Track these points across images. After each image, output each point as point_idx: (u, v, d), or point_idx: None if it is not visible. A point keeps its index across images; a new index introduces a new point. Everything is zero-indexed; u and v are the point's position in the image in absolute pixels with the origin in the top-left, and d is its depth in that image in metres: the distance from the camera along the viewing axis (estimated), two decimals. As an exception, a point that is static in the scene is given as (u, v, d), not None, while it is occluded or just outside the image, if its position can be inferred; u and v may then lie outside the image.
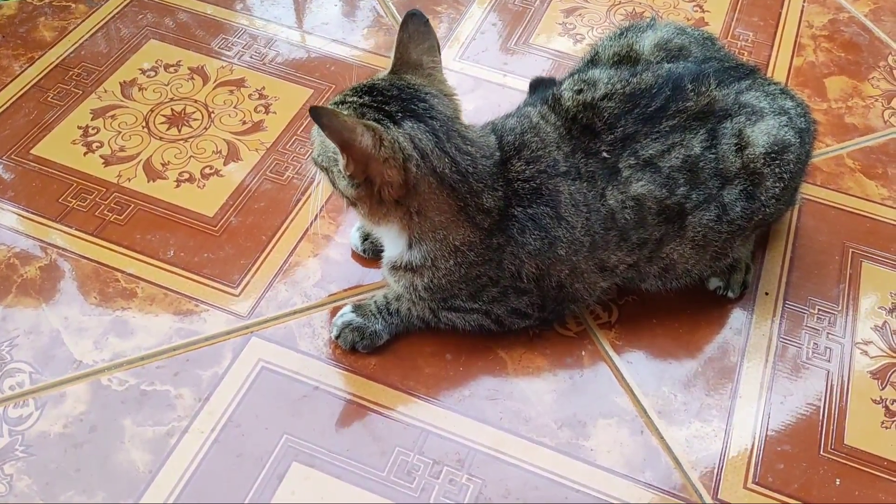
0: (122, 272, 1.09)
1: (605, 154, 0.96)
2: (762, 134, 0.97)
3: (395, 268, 0.98)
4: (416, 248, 0.94)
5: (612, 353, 1.04)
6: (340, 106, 0.90)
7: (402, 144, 0.86)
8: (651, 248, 0.99)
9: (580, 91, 1.00)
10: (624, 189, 0.96)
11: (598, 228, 0.96)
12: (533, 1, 1.54)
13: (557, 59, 1.43)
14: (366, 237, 1.11)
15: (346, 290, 1.09)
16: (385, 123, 0.87)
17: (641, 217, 0.97)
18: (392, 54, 0.94)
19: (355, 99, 0.90)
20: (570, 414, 0.98)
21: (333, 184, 0.94)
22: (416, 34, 0.93)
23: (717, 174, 0.97)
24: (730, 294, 1.08)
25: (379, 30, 1.47)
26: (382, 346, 1.02)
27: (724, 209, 0.97)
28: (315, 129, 0.93)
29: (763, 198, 0.99)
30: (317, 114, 0.81)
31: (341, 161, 0.86)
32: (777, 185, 0.98)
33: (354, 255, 1.13)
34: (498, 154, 0.94)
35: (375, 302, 1.03)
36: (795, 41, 1.50)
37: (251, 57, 1.40)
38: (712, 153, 0.97)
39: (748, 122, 0.98)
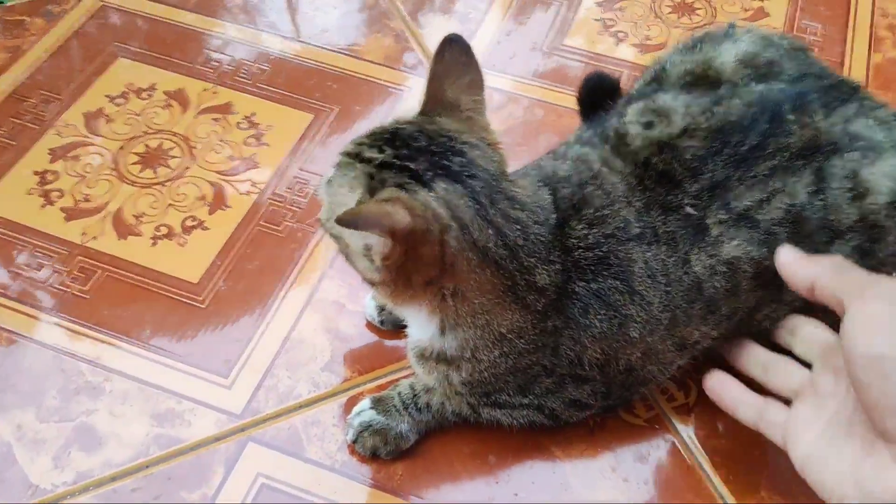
0: (87, 362, 0.89)
1: (688, 209, 0.75)
2: (884, 177, 0.76)
3: (423, 357, 0.78)
4: (450, 334, 0.74)
5: (693, 444, 0.84)
6: (355, 161, 0.70)
7: (437, 212, 0.66)
8: (742, 317, 0.79)
9: (650, 125, 0.78)
10: (713, 252, 0.75)
11: (679, 302, 0.75)
12: (564, -6, 1.32)
13: (599, 64, 1.21)
14: (382, 307, 0.91)
15: (362, 374, 0.89)
16: (411, 187, 0.66)
17: (734, 284, 0.76)
18: (425, 88, 0.73)
19: (374, 155, 0.69)
20: (649, 535, 0.78)
21: (348, 258, 0.74)
22: (454, 66, 0.72)
23: (824, 226, 0.76)
24: None
25: (386, 35, 1.25)
26: (411, 447, 0.83)
27: None
28: (323, 185, 0.73)
29: (881, 255, 0.78)
30: (347, 223, 0.62)
31: (379, 246, 0.65)
32: None
33: (370, 325, 0.92)
34: (554, 216, 0.73)
35: (400, 394, 0.83)
36: (871, 33, 1.28)
37: (240, 76, 1.18)
38: (820, 200, 0.75)
39: (864, 160, 0.76)
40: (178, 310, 0.93)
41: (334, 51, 1.22)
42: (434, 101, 0.73)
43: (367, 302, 0.92)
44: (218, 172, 1.07)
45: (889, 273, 0.79)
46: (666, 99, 0.81)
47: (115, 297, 0.94)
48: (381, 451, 0.82)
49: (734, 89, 0.81)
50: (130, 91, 1.16)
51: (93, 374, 0.88)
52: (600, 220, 0.74)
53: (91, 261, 0.97)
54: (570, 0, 1.31)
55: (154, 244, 0.99)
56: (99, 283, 0.95)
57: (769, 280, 0.75)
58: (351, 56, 1.22)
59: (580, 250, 0.73)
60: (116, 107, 1.14)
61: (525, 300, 0.72)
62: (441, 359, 0.76)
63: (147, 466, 0.82)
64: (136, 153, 1.09)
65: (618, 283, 0.74)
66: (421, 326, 0.76)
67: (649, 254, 0.74)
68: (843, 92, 0.82)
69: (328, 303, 0.94)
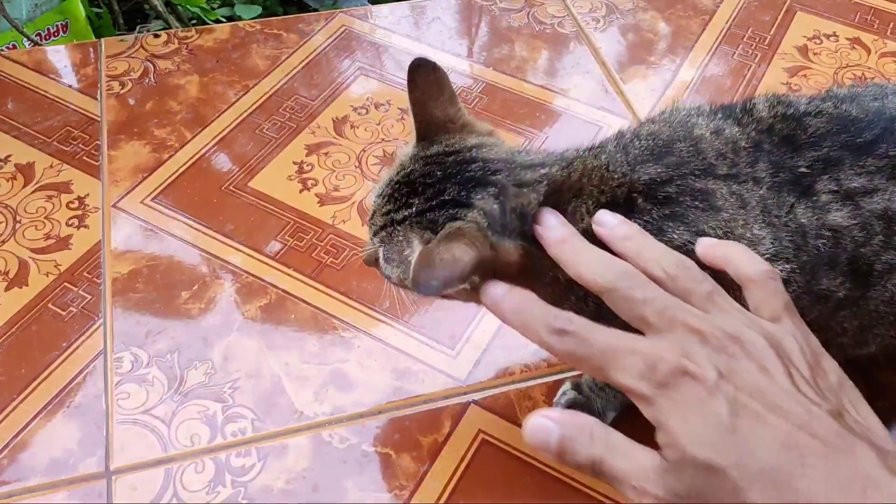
0: (340, 320, 1.07)
1: (803, 169, 0.76)
2: None
3: None
4: None
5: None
6: (394, 227, 0.74)
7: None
8: (827, 312, 0.79)
9: (776, 105, 0.82)
10: (820, 215, 0.75)
11: (787, 244, 0.74)
12: (751, 56, 1.46)
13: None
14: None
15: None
16: (459, 213, 0.69)
17: (835, 255, 0.76)
18: (411, 118, 0.79)
19: (404, 213, 0.73)
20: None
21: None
22: (429, 87, 0.77)
23: None
24: None
25: (587, 79, 1.42)
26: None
27: None
28: (384, 270, 0.79)
29: None
30: (431, 292, 0.65)
31: (467, 285, 0.67)
32: None
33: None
34: (609, 161, 0.74)
35: (587, 379, 0.98)
36: None
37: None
38: None
39: None
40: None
41: (543, 87, 1.40)
42: (426, 126, 0.77)
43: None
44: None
45: None
46: (790, 96, 0.85)
47: (360, 272, 1.12)
48: (584, 426, 0.96)
49: (855, 99, 0.84)
50: (370, 104, 1.36)
51: (345, 330, 1.06)
52: (679, 164, 0.72)
53: (341, 240, 1.16)
54: (756, 66, 1.45)
55: (392, 233, 1.17)
56: (347, 258, 1.14)
57: (859, 273, 0.77)
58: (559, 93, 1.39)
59: (652, 186, 0.72)
60: (359, 116, 1.34)
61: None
62: None
63: (389, 410, 0.98)
64: (375, 156, 1.28)
65: (697, 203, 0.71)
66: None
67: (741, 189, 0.73)
68: None
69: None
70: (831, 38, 1.49)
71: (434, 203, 0.70)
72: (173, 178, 1.24)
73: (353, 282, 1.11)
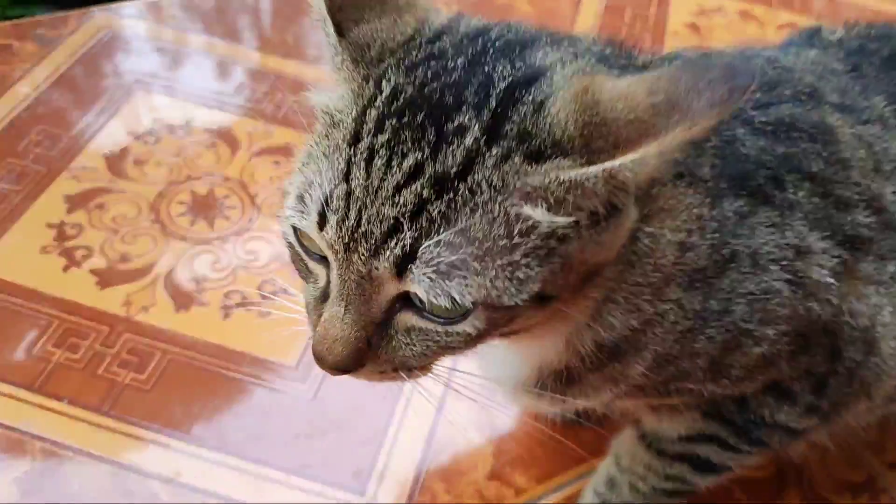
0: (164, 481, 0.63)
1: None
2: None
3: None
4: (610, 309, 0.49)
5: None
6: (443, 205, 0.40)
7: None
8: None
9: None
10: None
11: None
12: (641, 38, 1.19)
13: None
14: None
15: (541, 483, 0.67)
16: (546, 87, 0.43)
17: None
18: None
19: (457, 154, 0.41)
20: None
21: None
22: None
23: None
24: None
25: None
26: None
27: None
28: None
29: None
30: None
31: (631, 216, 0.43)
32: None
33: (540, 417, 0.71)
34: None
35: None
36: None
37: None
38: None
39: None
40: (275, 404, 0.69)
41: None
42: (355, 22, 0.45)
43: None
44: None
45: None
46: None
47: (185, 385, 0.69)
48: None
49: None
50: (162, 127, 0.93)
51: (173, 496, 0.62)
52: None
53: (144, 339, 0.72)
54: (653, 42, 1.19)
55: (226, 317, 0.75)
56: (160, 368, 0.70)
57: None
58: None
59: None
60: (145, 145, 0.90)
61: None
62: (610, 356, 0.51)
63: None
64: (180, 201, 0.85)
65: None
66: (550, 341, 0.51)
67: (866, 130, 0.57)
68: None
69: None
70: (719, 13, 1.26)
71: (494, 104, 0.41)
72: None
73: (177, 407, 0.67)
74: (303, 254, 0.45)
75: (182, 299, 0.76)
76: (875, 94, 0.60)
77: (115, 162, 0.89)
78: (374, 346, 0.44)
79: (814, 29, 0.66)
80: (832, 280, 0.51)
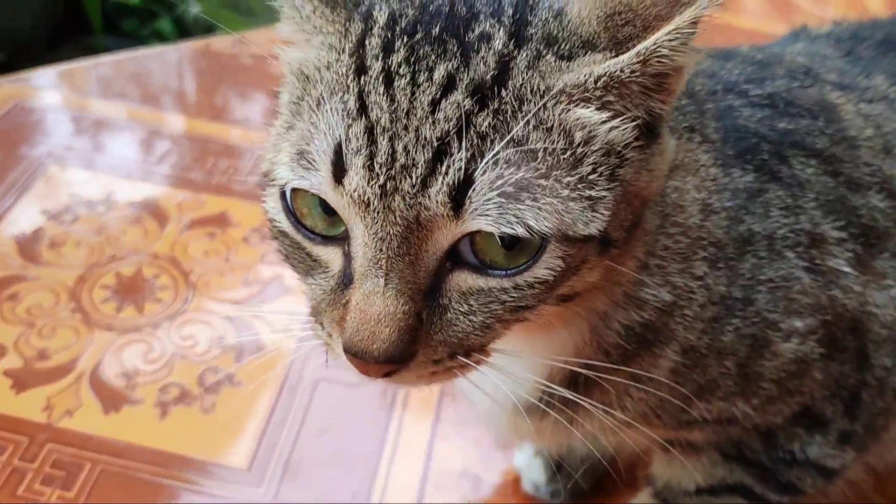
0: None
1: None
2: None
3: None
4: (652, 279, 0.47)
5: None
6: (502, 114, 0.37)
7: None
8: None
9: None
10: None
11: None
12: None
13: None
14: (557, 468, 0.63)
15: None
16: None
17: None
18: None
19: (497, 60, 0.38)
20: None
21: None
22: None
23: None
24: None
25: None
26: None
27: None
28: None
29: None
30: None
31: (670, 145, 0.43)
32: None
33: (529, 498, 0.65)
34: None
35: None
36: None
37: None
38: None
39: None
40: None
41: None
42: None
43: (523, 465, 0.65)
44: (235, 305, 0.77)
45: None
46: None
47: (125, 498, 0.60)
48: None
49: None
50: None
51: None
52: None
53: (76, 451, 0.63)
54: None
55: (163, 416, 0.67)
56: (91, 480, 0.61)
57: None
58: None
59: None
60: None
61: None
62: (638, 344, 0.47)
63: None
64: (104, 284, 0.76)
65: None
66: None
67: (868, 108, 0.56)
68: None
69: (452, 476, 0.66)
70: None
71: (511, 11, 0.38)
72: None
73: (112, 527, 0.59)
74: (303, 240, 0.39)
75: (111, 399, 0.67)
76: (877, 73, 0.58)
77: (27, 245, 0.80)
78: (426, 323, 0.37)
79: (798, 28, 0.65)
80: (849, 270, 0.50)
